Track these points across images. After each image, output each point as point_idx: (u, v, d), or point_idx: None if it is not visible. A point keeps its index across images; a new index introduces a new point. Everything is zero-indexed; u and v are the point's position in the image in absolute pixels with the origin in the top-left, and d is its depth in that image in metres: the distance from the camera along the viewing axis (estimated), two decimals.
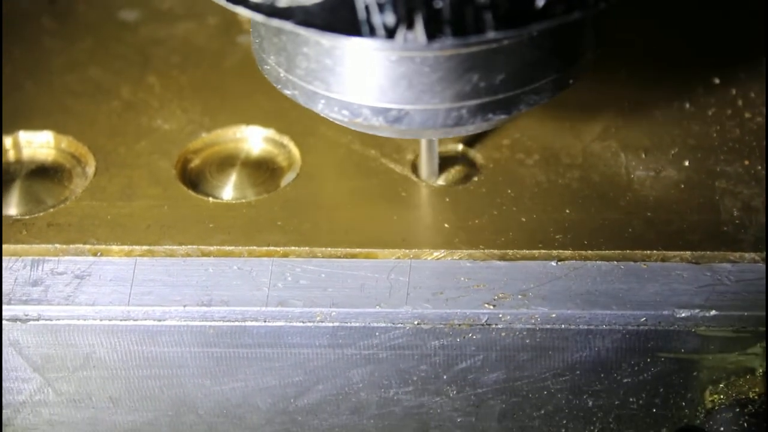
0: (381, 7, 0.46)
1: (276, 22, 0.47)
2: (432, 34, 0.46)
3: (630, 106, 0.63)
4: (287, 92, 0.53)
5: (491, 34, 0.46)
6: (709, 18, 0.67)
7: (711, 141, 0.61)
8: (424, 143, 0.58)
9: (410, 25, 0.46)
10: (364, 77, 0.51)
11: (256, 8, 0.48)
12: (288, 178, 0.60)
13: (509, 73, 0.51)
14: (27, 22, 0.70)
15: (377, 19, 0.46)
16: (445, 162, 0.60)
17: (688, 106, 0.63)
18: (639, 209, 0.57)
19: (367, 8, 0.46)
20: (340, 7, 0.46)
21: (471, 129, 0.53)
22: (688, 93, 0.63)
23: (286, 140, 0.62)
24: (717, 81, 0.64)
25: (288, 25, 0.47)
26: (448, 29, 0.46)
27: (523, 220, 0.57)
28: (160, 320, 0.55)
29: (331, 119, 0.53)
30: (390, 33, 0.46)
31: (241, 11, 0.48)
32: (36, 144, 0.63)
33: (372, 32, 0.46)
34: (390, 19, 0.46)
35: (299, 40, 0.51)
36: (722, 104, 0.62)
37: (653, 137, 0.61)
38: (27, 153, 0.63)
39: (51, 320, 0.55)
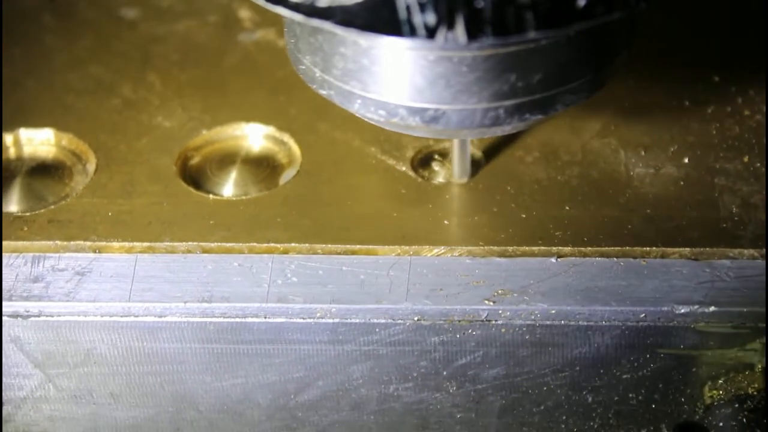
0: (422, 7, 0.46)
1: (316, 22, 0.47)
2: (473, 34, 0.46)
3: (629, 103, 0.63)
4: (323, 92, 0.53)
5: (532, 34, 0.46)
6: (709, 15, 0.67)
7: (710, 138, 0.61)
8: (456, 143, 0.58)
9: (451, 25, 0.46)
10: (402, 77, 0.51)
11: (295, 8, 0.47)
12: (288, 175, 0.61)
13: (547, 73, 0.51)
14: (27, 19, 0.70)
15: (418, 18, 0.46)
16: (445, 159, 0.60)
17: (687, 103, 0.63)
18: (638, 206, 0.58)
19: (408, 8, 0.46)
20: (381, 6, 0.46)
21: (507, 129, 0.53)
22: (687, 90, 0.63)
23: (286, 137, 0.62)
24: (716, 78, 0.64)
25: (328, 25, 0.47)
26: (489, 29, 0.46)
27: (523, 216, 0.58)
28: (160, 316, 0.55)
29: (367, 119, 0.53)
30: (431, 33, 0.46)
31: (281, 11, 0.48)
32: (37, 141, 0.63)
33: (413, 32, 0.46)
34: (431, 18, 0.46)
35: (336, 40, 0.51)
36: (721, 102, 0.63)
37: (653, 135, 0.61)
38: (28, 150, 0.63)
39: (52, 316, 0.55)
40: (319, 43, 0.52)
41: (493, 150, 0.61)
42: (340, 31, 0.48)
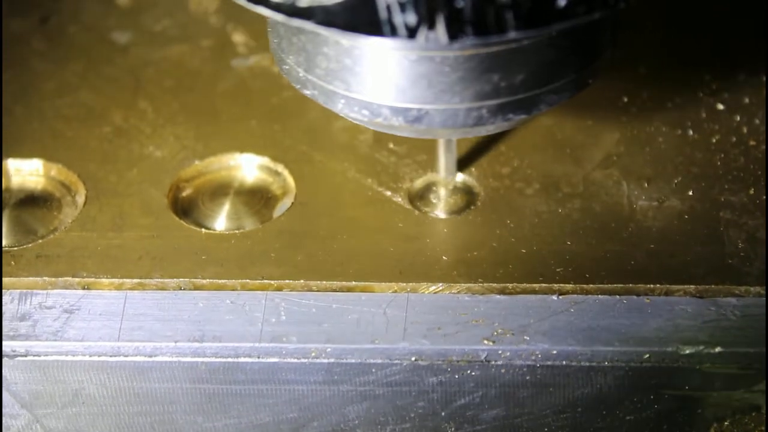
0: (402, 7, 0.46)
1: (297, 22, 0.47)
2: (453, 33, 0.46)
3: (632, 132, 0.62)
4: (306, 92, 0.53)
5: (512, 34, 0.46)
6: (712, 43, 0.66)
7: (715, 169, 0.59)
8: (441, 142, 0.58)
9: (431, 25, 0.46)
10: (384, 77, 0.50)
11: (277, 8, 0.47)
12: (283, 207, 0.59)
13: (529, 72, 0.50)
14: (17, 44, 0.69)
15: (398, 18, 0.46)
16: (443, 191, 0.59)
17: (691, 133, 0.61)
18: (642, 241, 0.56)
19: (388, 8, 0.46)
20: (361, 6, 0.46)
21: (491, 129, 0.53)
22: (691, 119, 0.62)
23: (280, 168, 0.61)
24: (721, 107, 0.62)
25: (309, 25, 0.47)
26: (470, 29, 0.46)
27: (523, 251, 0.56)
28: (150, 356, 0.54)
29: (350, 119, 0.53)
30: (411, 33, 0.46)
31: (262, 11, 0.48)
32: (25, 172, 0.62)
33: (393, 32, 0.46)
34: (411, 18, 0.46)
35: (319, 40, 0.51)
36: (726, 131, 0.61)
37: (656, 165, 0.60)
38: (16, 181, 0.61)
39: (39, 356, 0.54)
40: (302, 43, 0.52)
41: (493, 181, 0.59)
42: (321, 31, 0.48)
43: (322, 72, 0.51)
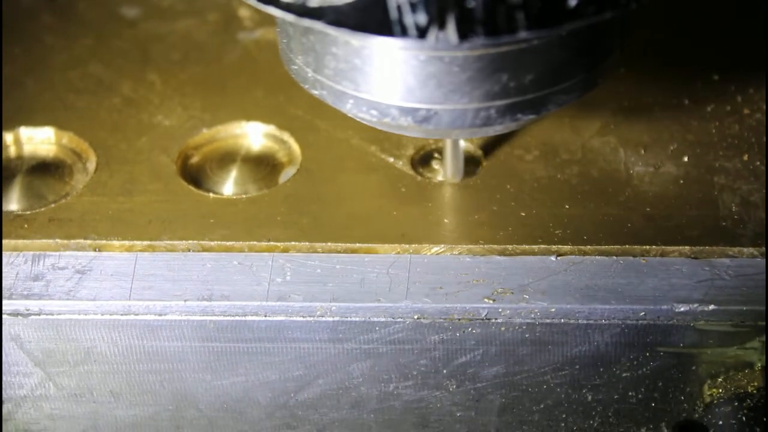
0: (413, 7, 0.46)
1: (307, 22, 0.47)
2: (464, 33, 0.46)
3: (629, 102, 0.63)
4: (315, 92, 0.53)
5: (523, 34, 0.46)
6: (709, 14, 0.67)
7: (710, 137, 0.61)
8: (449, 142, 0.58)
9: (442, 25, 0.46)
10: (393, 77, 0.51)
11: (287, 8, 0.48)
12: (288, 174, 0.61)
13: (538, 72, 0.51)
14: (27, 19, 0.70)
15: (409, 18, 0.46)
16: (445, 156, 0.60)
17: (687, 102, 0.63)
18: (638, 204, 0.58)
19: (399, 8, 0.46)
20: (372, 6, 0.46)
21: (499, 129, 0.53)
22: (687, 89, 0.63)
23: (286, 136, 0.62)
24: (716, 77, 0.64)
25: (319, 25, 0.47)
26: (480, 29, 0.46)
27: (523, 215, 0.58)
28: (160, 315, 0.55)
29: (359, 119, 0.53)
30: (422, 33, 0.46)
31: (273, 11, 0.48)
32: (37, 140, 0.63)
33: (404, 32, 0.46)
34: (422, 18, 0.46)
35: (328, 40, 0.51)
36: (721, 100, 0.63)
37: (652, 133, 0.61)
38: (28, 149, 0.63)
39: (52, 315, 0.55)
40: (311, 43, 0.52)
41: (493, 148, 0.61)
42: (331, 31, 0.48)
43: (331, 72, 0.52)
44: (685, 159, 0.60)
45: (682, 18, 0.67)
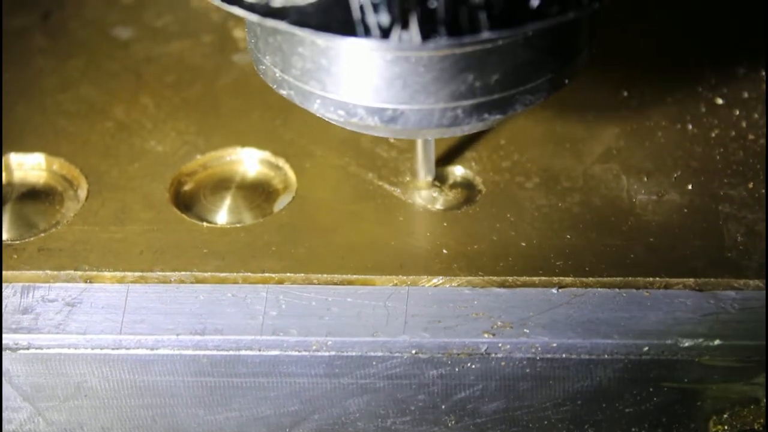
0: (375, 7, 0.46)
1: (270, 23, 0.47)
2: (427, 34, 0.46)
3: (631, 127, 0.62)
4: (283, 92, 0.53)
5: (486, 34, 0.46)
6: (711, 38, 0.66)
7: (714, 164, 0.60)
8: (420, 143, 0.58)
9: (405, 25, 0.46)
10: (360, 77, 0.50)
11: (250, 8, 0.48)
12: (283, 201, 0.59)
13: (504, 72, 0.50)
14: (19, 39, 0.69)
15: (372, 18, 0.46)
16: (444, 185, 0.59)
17: (690, 127, 0.62)
18: (641, 234, 0.56)
19: (361, 8, 0.46)
20: (334, 6, 0.46)
21: (467, 129, 0.53)
22: (690, 114, 0.62)
23: (281, 162, 0.61)
24: (720, 102, 0.63)
25: (282, 25, 0.47)
26: (443, 29, 0.46)
27: (523, 245, 0.56)
28: (152, 349, 0.54)
29: (327, 119, 0.53)
30: (385, 33, 0.46)
31: (236, 11, 0.48)
32: (27, 166, 0.62)
33: (367, 32, 0.46)
34: (385, 18, 0.46)
35: (294, 40, 0.51)
36: (725, 126, 0.61)
37: (655, 160, 0.60)
38: (18, 175, 0.62)
39: (41, 349, 0.54)
40: (278, 43, 0.52)
41: (493, 175, 0.60)
42: (294, 31, 0.48)
43: (297, 72, 0.52)
44: (689, 187, 0.59)
45: (685, 43, 0.66)
